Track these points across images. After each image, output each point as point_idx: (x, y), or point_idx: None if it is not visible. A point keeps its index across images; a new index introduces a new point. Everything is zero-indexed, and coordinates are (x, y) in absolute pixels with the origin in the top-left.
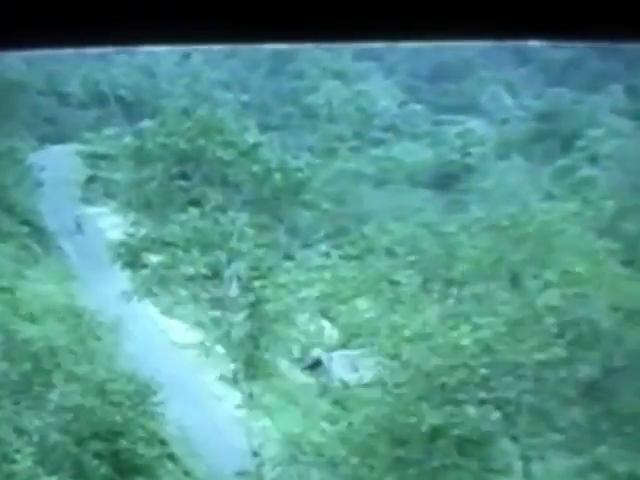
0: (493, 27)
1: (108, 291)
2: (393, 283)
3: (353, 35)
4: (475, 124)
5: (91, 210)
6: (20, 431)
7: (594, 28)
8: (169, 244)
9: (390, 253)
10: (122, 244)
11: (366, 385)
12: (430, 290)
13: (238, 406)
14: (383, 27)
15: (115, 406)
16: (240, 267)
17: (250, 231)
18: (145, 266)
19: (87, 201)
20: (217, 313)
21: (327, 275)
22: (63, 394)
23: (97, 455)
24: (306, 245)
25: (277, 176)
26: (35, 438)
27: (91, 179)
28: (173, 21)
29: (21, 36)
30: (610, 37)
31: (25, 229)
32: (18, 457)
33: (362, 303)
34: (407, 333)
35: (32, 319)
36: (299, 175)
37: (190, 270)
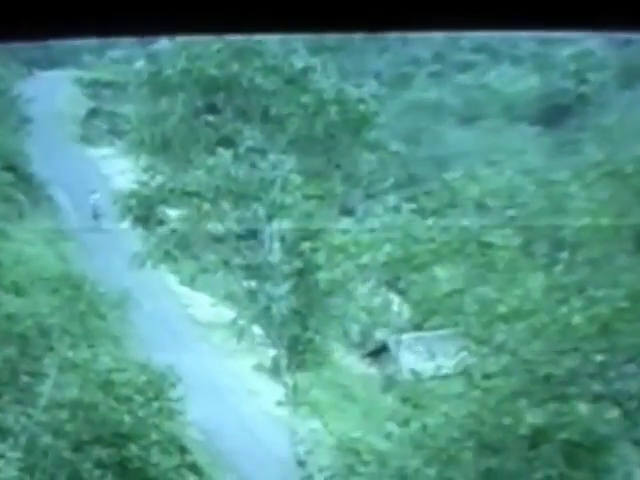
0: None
1: (114, 255)
2: (484, 245)
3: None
4: (593, 44)
5: (93, 152)
6: (4, 432)
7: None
8: (192, 195)
9: (481, 207)
10: (132, 195)
11: (446, 377)
12: (533, 254)
13: (279, 403)
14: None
15: (123, 402)
16: (284, 224)
17: (297, 179)
18: (161, 223)
19: (88, 141)
20: (253, 284)
21: (397, 235)
22: (57, 386)
23: (100, 464)
24: (370, 196)
25: (333, 109)
26: (22, 441)
27: (93, 113)
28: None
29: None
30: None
31: (8, 176)
32: (1, 463)
33: (442, 271)
34: (501, 309)
35: (17, 290)
36: (361, 108)
37: (219, 228)
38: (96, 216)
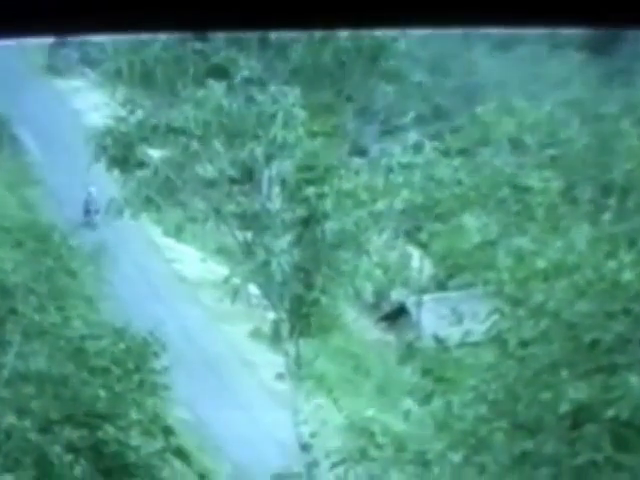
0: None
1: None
2: (520, 189)
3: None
4: None
5: (62, 84)
6: None
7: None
8: (178, 132)
9: (517, 145)
10: (108, 132)
11: (475, 344)
12: (577, 200)
13: (280, 376)
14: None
15: (97, 375)
16: (285, 166)
17: (301, 113)
18: (142, 164)
19: (55, 72)
20: (249, 235)
21: (417, 177)
22: (21, 356)
23: (71, 447)
24: (386, 133)
25: (344, 33)
26: None
27: (60, 40)
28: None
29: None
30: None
31: None
32: None
33: (471, 219)
34: (540, 264)
35: None
36: (378, 32)
37: (210, 171)
38: (88, 212)
